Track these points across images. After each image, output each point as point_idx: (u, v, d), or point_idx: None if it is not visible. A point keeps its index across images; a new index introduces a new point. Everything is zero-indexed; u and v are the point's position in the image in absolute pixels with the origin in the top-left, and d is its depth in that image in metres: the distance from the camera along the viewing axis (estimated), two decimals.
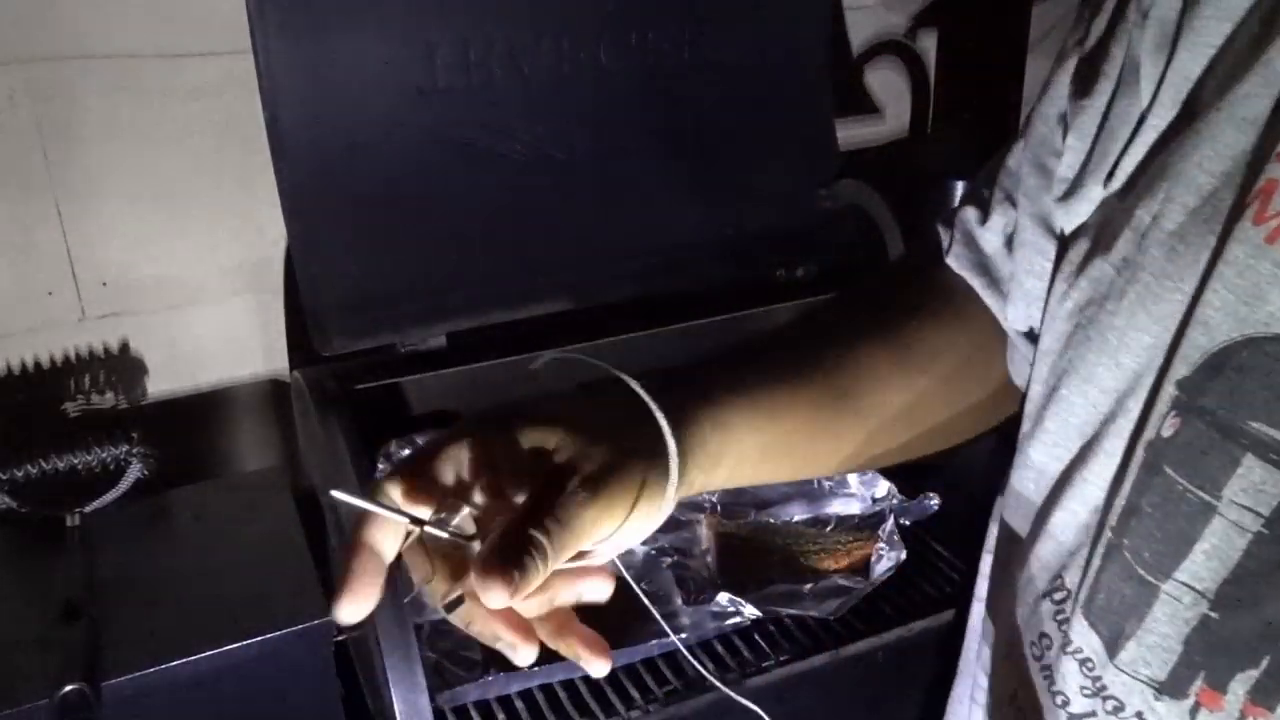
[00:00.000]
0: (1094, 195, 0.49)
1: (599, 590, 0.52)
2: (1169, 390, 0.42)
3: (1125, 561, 0.43)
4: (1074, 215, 0.50)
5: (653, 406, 0.50)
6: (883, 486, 1.12)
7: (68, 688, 0.76)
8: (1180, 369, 0.42)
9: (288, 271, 1.15)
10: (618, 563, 0.52)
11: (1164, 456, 0.42)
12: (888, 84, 1.43)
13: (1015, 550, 0.53)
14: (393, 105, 0.96)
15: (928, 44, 1.42)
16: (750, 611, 0.92)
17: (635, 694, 0.87)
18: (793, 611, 0.95)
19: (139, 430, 0.98)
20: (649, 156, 1.10)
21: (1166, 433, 0.42)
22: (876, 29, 1.37)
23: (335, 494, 0.47)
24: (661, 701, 0.86)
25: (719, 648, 0.92)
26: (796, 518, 1.10)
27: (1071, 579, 0.47)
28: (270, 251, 1.15)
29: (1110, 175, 0.48)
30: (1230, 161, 0.41)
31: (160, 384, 1.15)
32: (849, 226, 1.22)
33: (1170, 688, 0.42)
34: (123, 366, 1.12)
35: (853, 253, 1.23)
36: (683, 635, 0.90)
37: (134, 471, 0.97)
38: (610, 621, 0.98)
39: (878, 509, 1.10)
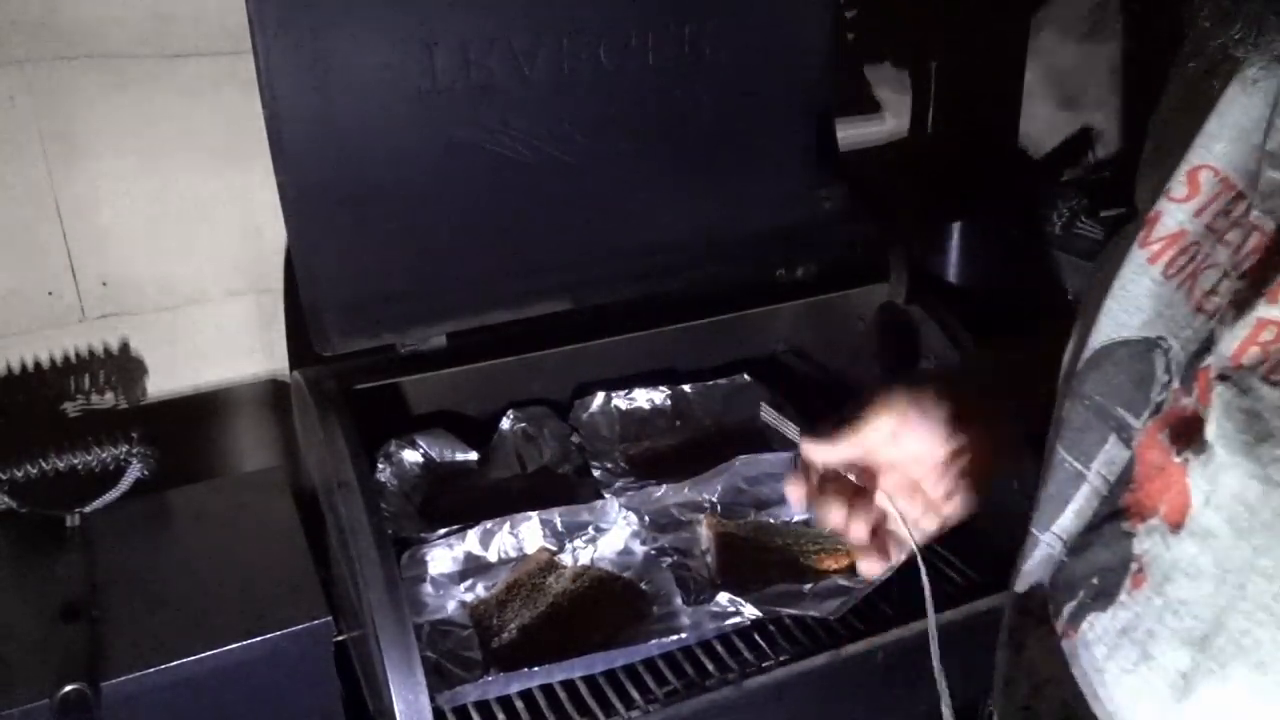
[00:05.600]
0: None
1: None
2: (1072, 382, 0.53)
3: (1028, 517, 0.55)
4: None
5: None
6: None
7: (68, 688, 0.76)
8: (1080, 364, 0.52)
9: (288, 271, 1.15)
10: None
11: (1058, 433, 0.53)
12: (888, 84, 1.43)
13: None
14: (393, 105, 0.96)
15: (928, 44, 1.42)
16: (750, 611, 0.92)
17: (635, 694, 0.87)
18: (793, 611, 0.95)
19: (139, 430, 0.98)
20: (649, 156, 1.10)
21: (1063, 414, 0.53)
22: (877, 29, 1.37)
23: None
24: (661, 701, 0.86)
25: (719, 648, 0.92)
26: (796, 518, 1.10)
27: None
28: (270, 251, 1.15)
29: None
30: (1151, 193, 0.50)
31: (160, 384, 1.15)
32: (849, 227, 1.22)
33: (1039, 616, 0.53)
34: (123, 366, 1.12)
35: (853, 253, 1.23)
36: (684, 635, 0.90)
37: (134, 471, 0.97)
38: (611, 621, 0.99)
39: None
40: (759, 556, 1.02)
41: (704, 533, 1.05)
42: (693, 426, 1.25)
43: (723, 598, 0.93)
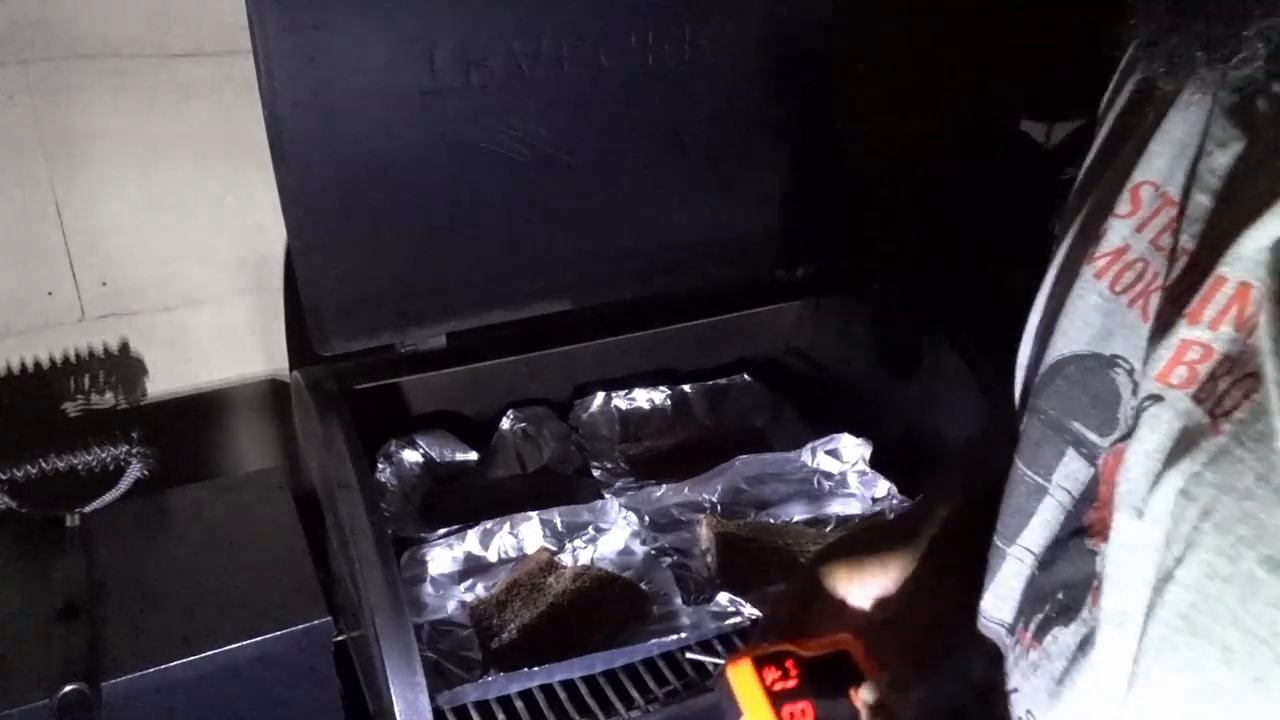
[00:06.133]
0: None
1: None
2: (1029, 397, 0.54)
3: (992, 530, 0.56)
4: None
5: None
6: (882, 486, 1.12)
7: (68, 688, 0.76)
8: (1037, 378, 0.53)
9: (288, 271, 1.15)
10: None
11: (1018, 448, 0.54)
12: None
13: None
14: (393, 105, 0.96)
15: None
16: (750, 611, 0.92)
17: (635, 694, 0.87)
18: None
19: (139, 430, 0.98)
20: (649, 156, 1.10)
21: (1022, 429, 0.54)
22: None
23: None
24: (661, 701, 0.86)
25: (719, 647, 0.92)
26: (796, 518, 1.10)
27: None
28: (270, 251, 1.15)
29: None
30: (1097, 206, 0.52)
31: (160, 384, 1.15)
32: (849, 227, 1.22)
33: (1011, 629, 0.54)
34: (123, 366, 1.12)
35: (853, 253, 1.23)
36: (684, 635, 0.90)
37: (134, 471, 0.97)
38: (611, 621, 0.99)
39: (877, 509, 1.10)
40: (759, 556, 1.02)
41: (704, 533, 1.05)
42: (693, 426, 1.25)
43: (723, 598, 0.93)
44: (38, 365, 1.08)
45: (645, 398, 1.26)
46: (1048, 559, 0.52)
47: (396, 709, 0.78)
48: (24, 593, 0.89)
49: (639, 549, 1.02)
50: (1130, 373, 0.48)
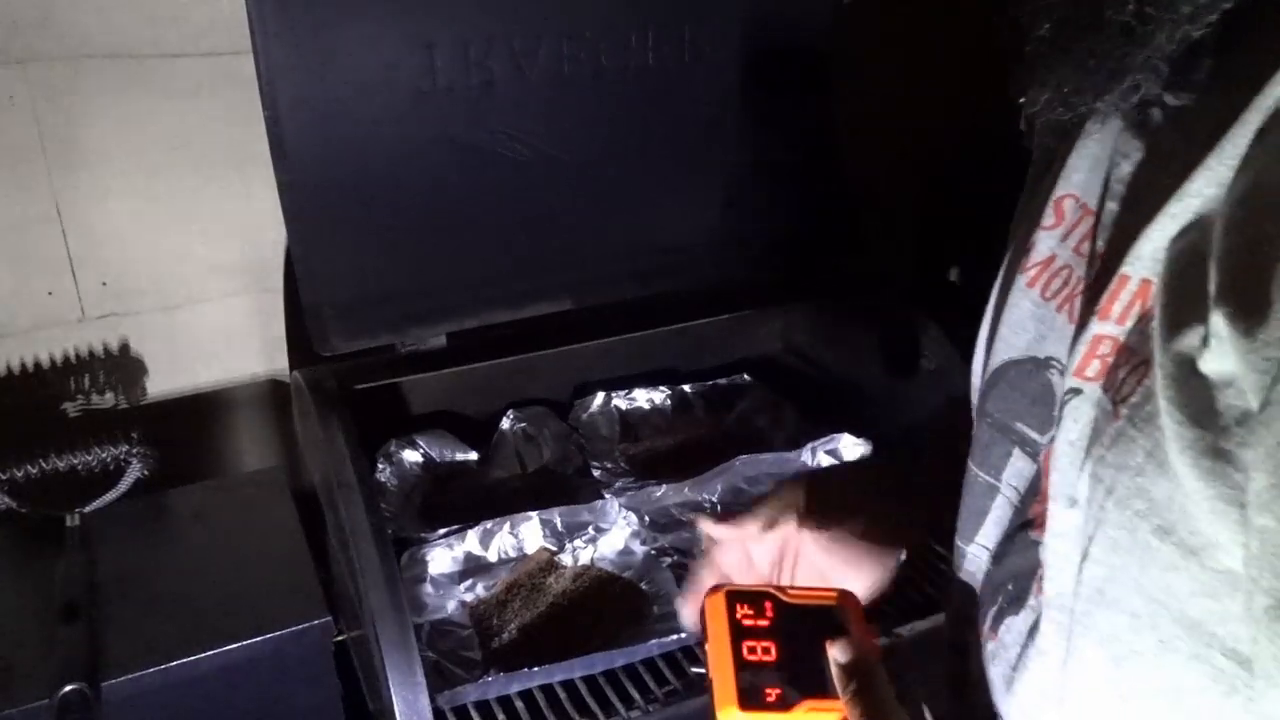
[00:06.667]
0: None
1: None
2: (979, 402, 0.57)
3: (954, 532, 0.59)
4: None
5: None
6: None
7: (68, 688, 0.76)
8: (983, 384, 0.57)
9: (288, 271, 1.15)
10: None
11: (970, 451, 0.58)
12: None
13: None
14: (393, 105, 0.96)
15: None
16: None
17: (635, 694, 0.87)
18: None
19: (139, 430, 0.98)
20: (649, 156, 1.10)
21: (974, 433, 0.58)
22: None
23: None
24: (661, 701, 0.86)
25: None
26: None
27: None
28: (270, 251, 1.15)
29: None
30: (1028, 221, 0.56)
31: (160, 384, 1.15)
32: (849, 227, 1.22)
33: (979, 623, 0.57)
34: (123, 366, 1.12)
35: (853, 253, 1.23)
36: (683, 635, 0.90)
37: (134, 471, 0.97)
38: (611, 621, 0.99)
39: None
40: None
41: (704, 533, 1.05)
42: (693, 426, 1.25)
43: None
44: (38, 365, 1.08)
45: (645, 398, 1.26)
46: (999, 553, 0.56)
47: (396, 709, 0.78)
48: (24, 593, 0.89)
49: (639, 549, 1.02)
50: (1062, 373, 0.50)
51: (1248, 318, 0.36)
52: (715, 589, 0.54)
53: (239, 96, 1.05)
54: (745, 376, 1.32)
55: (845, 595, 0.55)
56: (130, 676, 0.80)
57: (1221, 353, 0.38)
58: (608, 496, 1.07)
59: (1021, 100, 0.50)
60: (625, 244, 1.11)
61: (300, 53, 0.90)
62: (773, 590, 0.54)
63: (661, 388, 1.27)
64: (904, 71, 1.40)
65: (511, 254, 1.06)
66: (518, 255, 1.06)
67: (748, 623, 0.52)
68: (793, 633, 0.52)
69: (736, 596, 0.54)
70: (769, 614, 0.53)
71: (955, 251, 1.50)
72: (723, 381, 1.31)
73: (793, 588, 0.56)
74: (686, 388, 1.28)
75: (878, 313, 1.20)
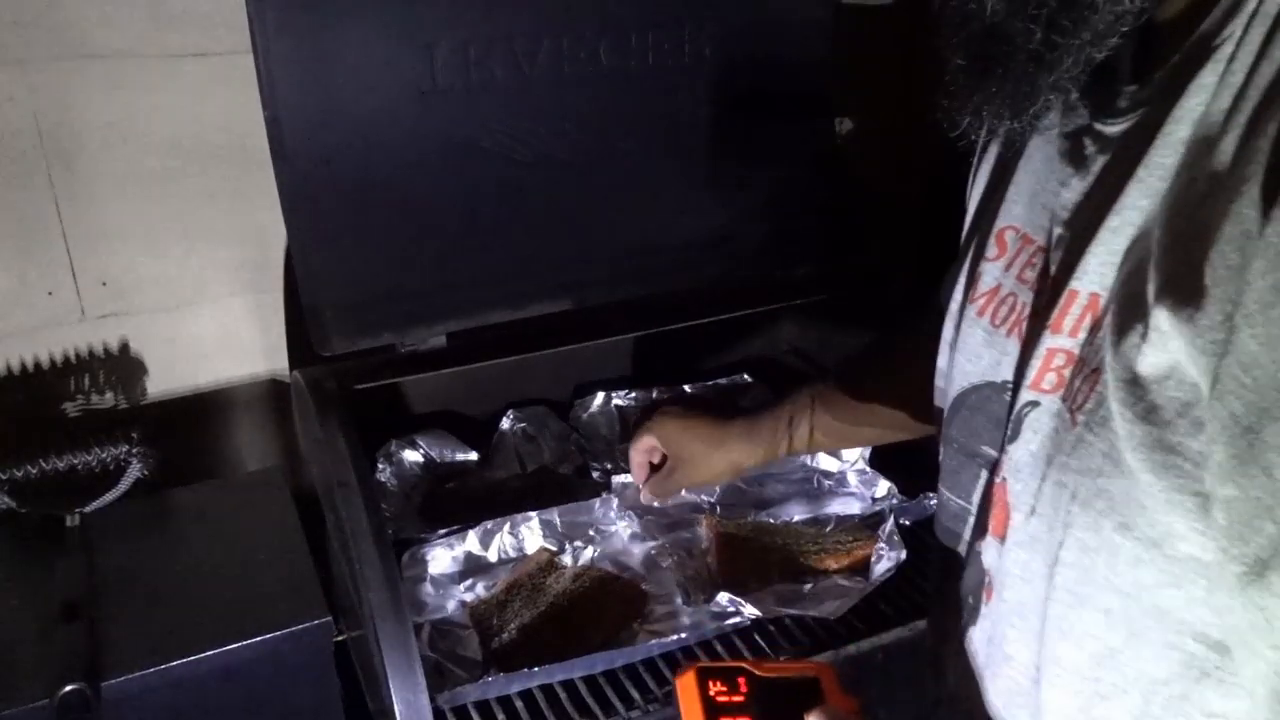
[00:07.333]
0: None
1: None
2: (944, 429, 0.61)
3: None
4: None
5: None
6: (883, 486, 1.12)
7: (68, 688, 0.76)
8: (946, 412, 0.60)
9: (288, 271, 1.15)
10: None
11: (941, 476, 0.61)
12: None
13: None
14: (393, 105, 0.96)
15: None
16: (750, 611, 0.92)
17: (635, 694, 0.87)
18: (793, 611, 0.95)
19: (139, 430, 0.98)
20: (649, 156, 1.10)
21: (941, 459, 0.61)
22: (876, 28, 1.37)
23: None
24: (661, 701, 0.86)
25: (719, 648, 0.92)
26: (796, 518, 1.10)
27: None
28: (270, 251, 1.15)
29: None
30: (975, 253, 0.59)
31: (160, 384, 1.15)
32: (849, 226, 1.22)
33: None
34: (123, 366, 1.12)
35: (853, 253, 1.23)
36: (684, 635, 0.90)
37: (134, 471, 0.97)
38: (611, 621, 0.99)
39: (878, 509, 1.10)
40: (759, 556, 1.02)
41: (704, 533, 1.05)
42: None
43: (723, 598, 0.93)
44: (38, 365, 1.08)
45: (645, 398, 1.26)
46: (964, 568, 0.59)
47: (396, 709, 0.78)
48: (24, 593, 0.88)
49: (639, 549, 1.02)
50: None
51: (1187, 306, 0.39)
52: (686, 668, 0.54)
53: (239, 96, 1.05)
54: (745, 376, 1.32)
55: (820, 667, 0.55)
56: (130, 676, 0.80)
57: (1160, 345, 0.40)
58: (608, 496, 1.07)
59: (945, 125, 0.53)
60: (625, 244, 1.11)
61: (300, 53, 0.90)
62: (746, 666, 0.54)
63: (661, 388, 1.27)
64: (904, 71, 1.40)
65: (511, 254, 1.06)
66: (518, 255, 1.06)
67: (721, 699, 0.52)
68: (769, 706, 0.52)
69: (708, 674, 0.53)
70: (743, 689, 0.53)
71: (955, 252, 1.50)
72: (723, 381, 1.31)
73: (766, 663, 0.56)
74: (686, 388, 1.28)
75: (878, 313, 1.20)
